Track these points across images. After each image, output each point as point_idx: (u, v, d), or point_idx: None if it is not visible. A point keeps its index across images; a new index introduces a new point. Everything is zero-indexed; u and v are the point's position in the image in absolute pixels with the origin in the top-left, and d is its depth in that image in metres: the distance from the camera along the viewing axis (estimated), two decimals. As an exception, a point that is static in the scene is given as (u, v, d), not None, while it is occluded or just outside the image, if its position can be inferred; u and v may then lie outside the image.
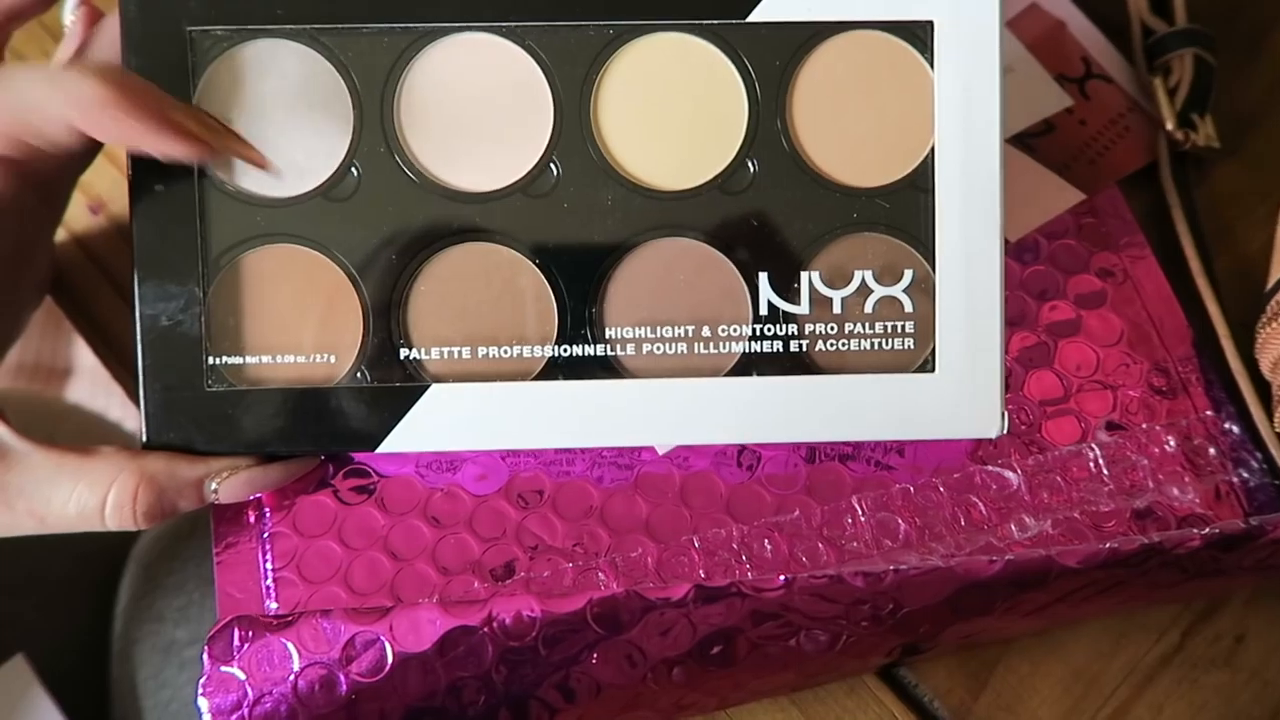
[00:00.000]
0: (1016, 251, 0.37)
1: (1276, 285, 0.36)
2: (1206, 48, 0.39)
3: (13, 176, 0.29)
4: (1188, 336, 0.37)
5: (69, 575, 0.51)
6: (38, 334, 0.87)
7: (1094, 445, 0.35)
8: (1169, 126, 0.39)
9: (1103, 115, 0.40)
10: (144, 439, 0.31)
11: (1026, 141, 0.40)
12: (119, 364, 0.39)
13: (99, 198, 0.41)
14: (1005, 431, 0.31)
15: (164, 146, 0.28)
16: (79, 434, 0.57)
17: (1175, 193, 0.39)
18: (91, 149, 0.32)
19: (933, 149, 0.31)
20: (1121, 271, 0.37)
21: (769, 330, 0.32)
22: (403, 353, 0.31)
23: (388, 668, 0.31)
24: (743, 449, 0.34)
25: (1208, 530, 0.31)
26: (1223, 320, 0.37)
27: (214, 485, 0.31)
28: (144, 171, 0.31)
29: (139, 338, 0.31)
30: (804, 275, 0.32)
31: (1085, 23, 0.42)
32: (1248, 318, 0.36)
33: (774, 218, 0.31)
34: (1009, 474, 0.35)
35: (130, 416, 0.32)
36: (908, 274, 0.32)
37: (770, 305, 0.32)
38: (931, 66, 0.31)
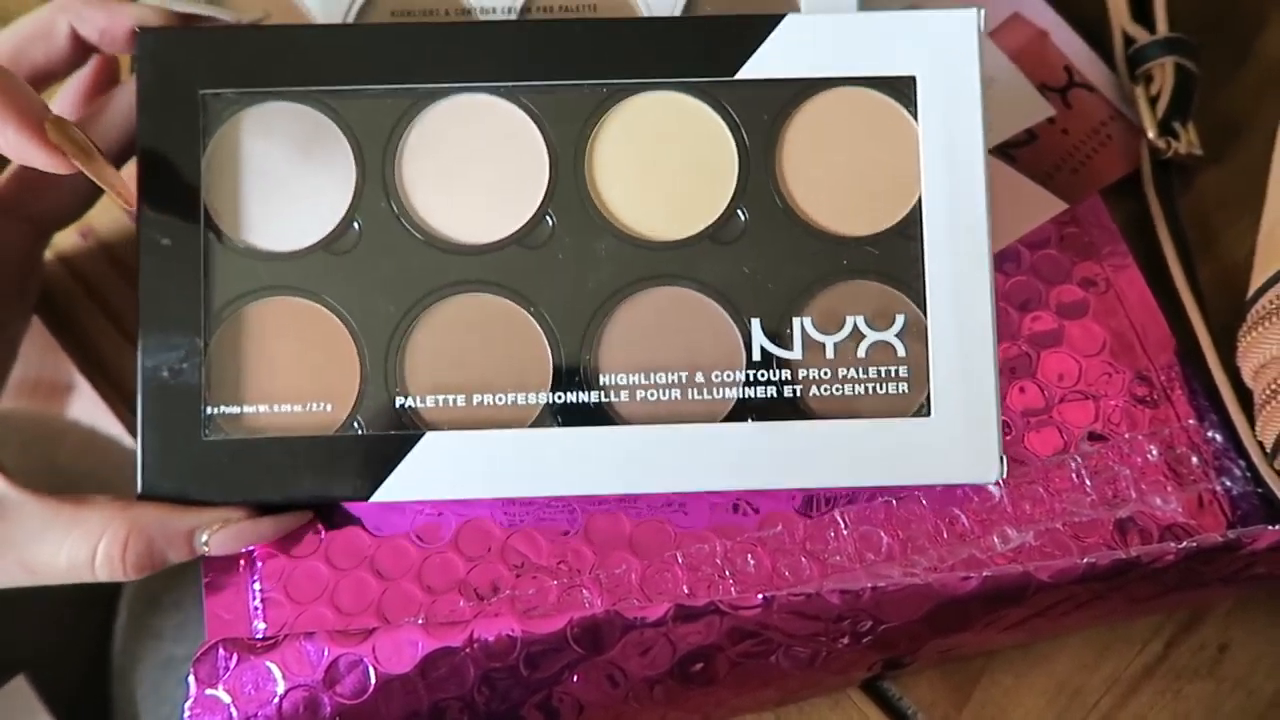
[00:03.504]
0: (998, 261, 0.37)
1: (1258, 293, 0.36)
2: (1188, 56, 0.39)
3: (13, 223, 0.29)
4: (1170, 345, 0.37)
5: (68, 595, 0.51)
6: (38, 350, 0.87)
7: (1076, 456, 0.35)
8: (1150, 135, 0.39)
9: (1085, 124, 0.40)
10: (139, 489, 0.31)
11: (1008, 151, 0.40)
12: (108, 384, 0.40)
13: (87, 222, 0.41)
14: (1003, 476, 0.31)
15: (23, 155, 0.28)
16: (79, 452, 0.57)
17: (1158, 201, 0.39)
18: (90, 195, 0.33)
19: (920, 199, 0.32)
20: (1104, 281, 0.37)
21: (763, 376, 0.32)
22: (398, 401, 0.32)
23: (370, 689, 0.31)
24: (737, 504, 0.34)
25: (1184, 544, 0.31)
26: (1205, 328, 0.37)
27: (205, 537, 0.31)
28: (152, 226, 0.31)
29: (140, 388, 0.31)
30: (795, 321, 0.32)
31: (1068, 32, 0.42)
32: (1231, 325, 0.36)
33: (765, 266, 0.32)
34: (991, 486, 0.35)
35: (129, 435, 0.32)
36: (899, 319, 0.32)
37: (763, 351, 0.32)
38: (916, 119, 0.32)
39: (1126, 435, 0.36)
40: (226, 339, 0.32)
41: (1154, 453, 0.35)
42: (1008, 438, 0.35)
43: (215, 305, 0.32)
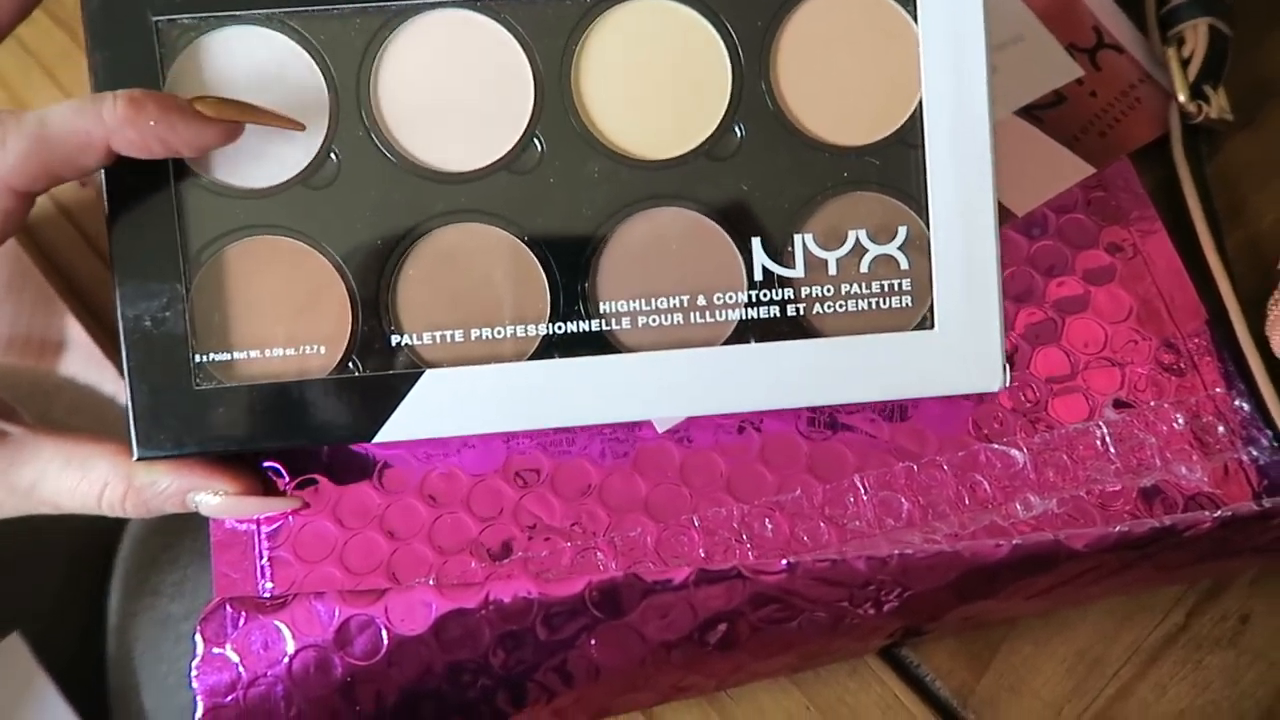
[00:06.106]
0: (1024, 226, 0.37)
1: (1289, 261, 0.35)
2: (1221, 17, 0.38)
3: (26, 205, 0.29)
4: (1199, 312, 0.36)
5: (64, 551, 0.50)
6: (30, 307, 0.86)
7: (1101, 423, 0.35)
8: (1181, 99, 0.38)
9: (1114, 86, 0.39)
10: (134, 448, 0.30)
11: (1035, 113, 0.39)
12: (109, 340, 0.39)
13: (87, 169, 0.40)
14: (1008, 385, 0.31)
15: (200, 140, 0.29)
16: (71, 409, 0.56)
17: (1187, 166, 0.38)
18: None
19: (920, 103, 0.31)
20: (1131, 246, 0.37)
21: (765, 295, 0.31)
22: (394, 339, 0.31)
23: (383, 650, 0.30)
24: (742, 422, 0.34)
25: (1219, 513, 0.31)
26: (1233, 296, 0.36)
27: (196, 497, 0.31)
28: (117, 169, 0.30)
29: (122, 339, 0.30)
30: (797, 238, 0.31)
31: (1097, -10, 0.41)
32: (1260, 292, 0.35)
33: (763, 182, 0.31)
34: (1014, 452, 0.34)
35: (123, 391, 0.32)
36: (901, 231, 0.31)
37: (765, 270, 0.31)
38: (915, 20, 0.31)
39: (1152, 403, 0.35)
40: (208, 283, 0.30)
41: (1180, 421, 0.35)
42: (1031, 404, 0.35)
43: (193, 248, 0.30)
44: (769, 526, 0.33)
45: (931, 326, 0.31)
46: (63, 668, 0.47)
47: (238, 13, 0.30)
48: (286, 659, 0.30)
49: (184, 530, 0.48)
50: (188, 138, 0.28)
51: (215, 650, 0.30)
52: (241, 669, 0.30)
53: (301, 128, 0.30)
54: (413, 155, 0.31)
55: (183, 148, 0.29)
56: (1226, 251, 0.37)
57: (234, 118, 0.29)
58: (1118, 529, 0.31)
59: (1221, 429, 0.35)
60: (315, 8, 0.30)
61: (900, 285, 0.31)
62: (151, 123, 0.28)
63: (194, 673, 0.30)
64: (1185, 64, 0.39)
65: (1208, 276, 0.37)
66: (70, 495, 0.31)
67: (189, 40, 0.30)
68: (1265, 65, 0.40)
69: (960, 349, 0.31)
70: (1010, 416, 0.35)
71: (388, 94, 0.31)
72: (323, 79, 0.30)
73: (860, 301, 0.31)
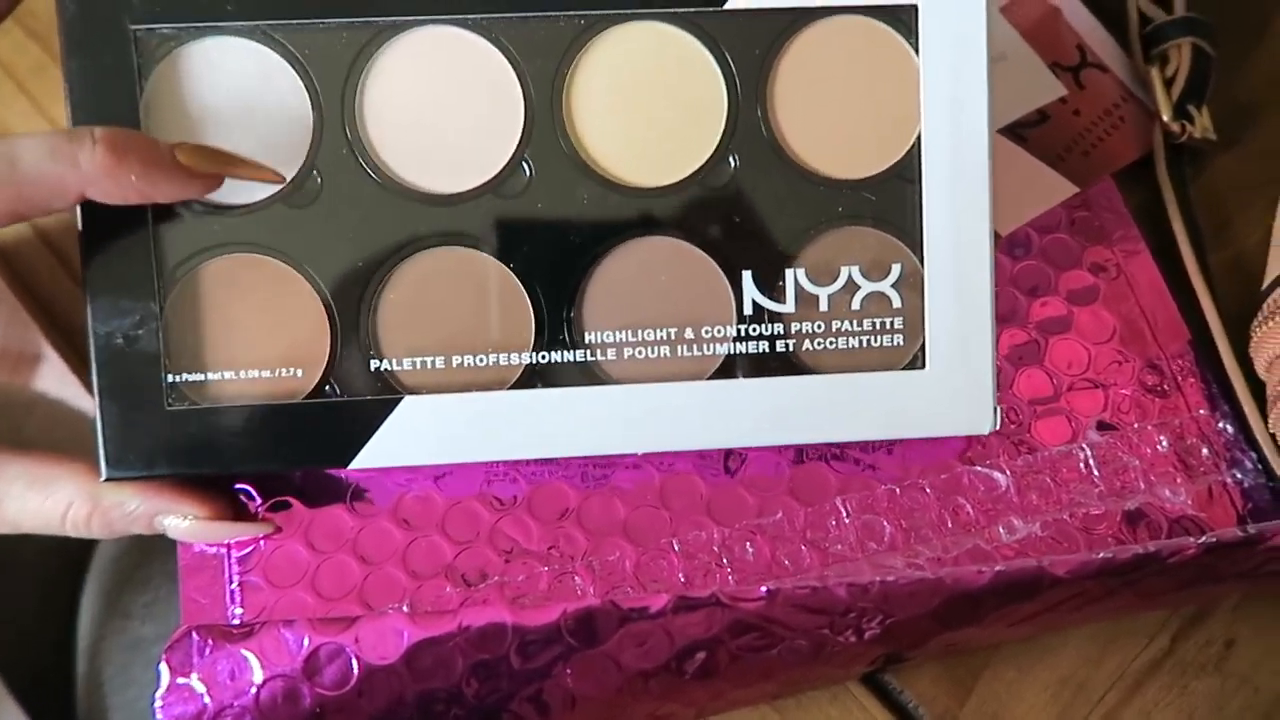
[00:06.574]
0: (1007, 246, 0.36)
1: (1273, 284, 0.35)
2: (1205, 37, 0.38)
3: None
4: (1182, 333, 0.36)
5: (34, 570, 0.50)
6: (4, 320, 0.85)
7: (1084, 445, 0.34)
8: (1165, 118, 0.38)
9: (1097, 105, 0.39)
10: (102, 468, 0.29)
11: (1019, 132, 0.38)
12: (75, 354, 0.38)
13: (58, 184, 0.39)
14: (997, 427, 0.31)
15: (180, 193, 0.28)
16: (47, 424, 0.55)
17: (1170, 186, 0.38)
18: None
19: (919, 138, 0.30)
20: (1115, 266, 0.36)
21: (754, 330, 0.31)
22: (373, 364, 0.30)
23: (353, 680, 0.30)
24: (729, 453, 0.33)
25: (1204, 539, 0.31)
26: (1217, 317, 0.36)
27: (163, 522, 0.31)
28: None
29: (93, 357, 0.29)
30: (789, 272, 0.31)
31: (1081, 10, 0.41)
32: (1244, 314, 0.35)
33: (756, 213, 0.30)
34: (997, 475, 0.34)
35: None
36: (895, 268, 0.31)
37: (755, 304, 0.31)
38: (916, 52, 0.30)
39: (1136, 425, 0.35)
40: (183, 301, 0.30)
41: (1164, 443, 0.34)
42: (1014, 426, 0.34)
43: (168, 264, 0.29)
44: (750, 550, 0.33)
45: (923, 366, 0.31)
46: (30, 691, 0.46)
47: (219, 23, 0.29)
48: (254, 689, 0.30)
49: (156, 550, 0.47)
50: (167, 191, 0.28)
51: (180, 680, 0.30)
52: (207, 699, 0.30)
53: (282, 180, 0.29)
54: (397, 175, 0.30)
55: (160, 199, 0.28)
56: (1210, 272, 0.37)
57: (214, 169, 0.28)
58: (1101, 555, 0.30)
59: (1205, 451, 0.34)
60: (300, 20, 0.29)
61: (892, 324, 0.31)
62: (133, 178, 0.27)
63: (158, 704, 0.29)
64: (1169, 83, 0.38)
65: (1191, 297, 0.36)
66: (34, 516, 0.30)
67: (168, 50, 0.29)
68: (1249, 85, 0.40)
69: (951, 390, 0.31)
70: (993, 439, 0.34)
71: (373, 111, 0.30)
72: (306, 94, 0.30)
73: (851, 339, 0.31)
